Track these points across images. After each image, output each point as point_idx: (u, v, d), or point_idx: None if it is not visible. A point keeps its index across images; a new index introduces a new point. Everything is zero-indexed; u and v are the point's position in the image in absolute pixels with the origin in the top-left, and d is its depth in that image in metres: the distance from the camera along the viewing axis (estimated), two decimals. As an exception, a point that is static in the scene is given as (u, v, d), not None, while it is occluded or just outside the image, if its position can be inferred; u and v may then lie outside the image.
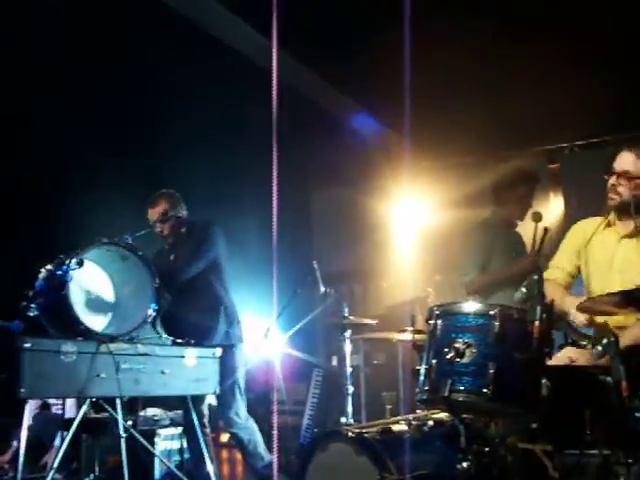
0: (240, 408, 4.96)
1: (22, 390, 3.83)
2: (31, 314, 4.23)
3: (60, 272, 4.17)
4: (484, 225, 5.40)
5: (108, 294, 4.66)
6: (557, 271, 3.77)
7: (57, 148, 5.87)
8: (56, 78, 5.53)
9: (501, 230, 5.34)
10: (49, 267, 4.35)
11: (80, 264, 4.17)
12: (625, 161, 3.49)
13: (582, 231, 3.74)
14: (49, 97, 5.51)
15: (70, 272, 4.14)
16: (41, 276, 4.39)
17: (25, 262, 4.74)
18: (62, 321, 4.18)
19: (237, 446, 5.12)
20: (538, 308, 2.79)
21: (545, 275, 3.79)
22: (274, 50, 5.74)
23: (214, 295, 5.08)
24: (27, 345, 3.84)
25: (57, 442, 5.39)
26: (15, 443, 5.58)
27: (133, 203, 5.45)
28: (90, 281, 4.53)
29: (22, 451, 4.05)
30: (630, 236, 3.50)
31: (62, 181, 6.05)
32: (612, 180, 3.50)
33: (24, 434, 4.07)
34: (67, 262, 4.17)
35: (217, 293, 5.09)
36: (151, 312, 4.46)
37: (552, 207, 6.97)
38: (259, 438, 4.95)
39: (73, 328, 4.15)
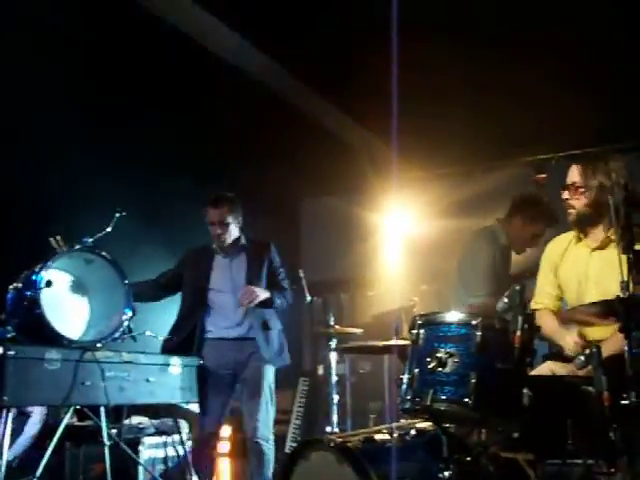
0: (270, 421, 4.80)
1: (5, 398, 3.81)
2: (8, 336, 4.20)
3: (29, 293, 4.13)
4: (488, 235, 5.01)
5: (80, 300, 4.63)
6: (544, 297, 3.76)
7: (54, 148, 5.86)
8: (58, 80, 5.54)
9: (504, 246, 4.99)
10: (17, 286, 4.29)
11: (48, 284, 4.14)
12: (573, 174, 3.55)
13: (554, 248, 3.77)
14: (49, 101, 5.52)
15: (39, 291, 4.11)
16: (10, 297, 4.32)
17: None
18: (42, 337, 4.13)
19: (252, 457, 4.73)
20: (520, 318, 2.81)
21: (533, 305, 3.79)
22: (263, 60, 5.80)
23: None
24: (11, 352, 3.81)
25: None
26: None
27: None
28: (61, 291, 4.48)
29: (4, 461, 4.03)
30: (601, 247, 3.53)
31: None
32: (564, 195, 3.57)
33: (6, 442, 4.04)
34: (34, 280, 4.13)
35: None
36: (126, 316, 4.44)
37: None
38: (272, 461, 4.74)
39: (55, 342, 4.13)
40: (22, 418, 5.42)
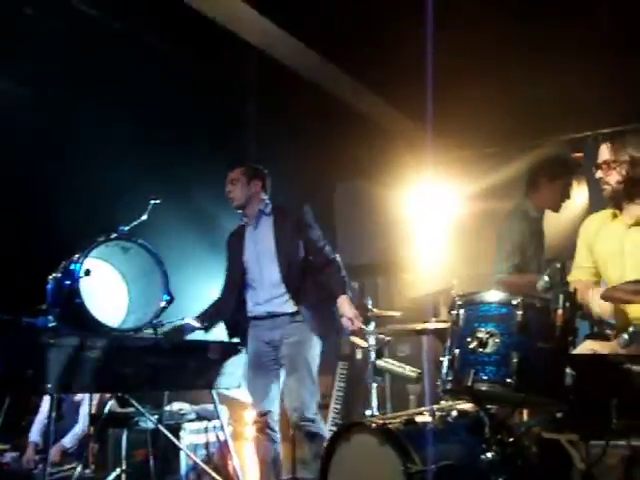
0: (312, 400, 4.63)
1: (48, 386, 3.87)
2: (50, 325, 4.25)
3: (68, 282, 4.20)
4: (518, 212, 5.13)
5: (119, 288, 4.69)
6: (579, 272, 3.74)
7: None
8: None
9: (535, 218, 5.11)
10: (56, 276, 4.36)
11: (87, 273, 4.18)
12: (603, 152, 3.56)
13: (589, 226, 3.74)
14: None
15: (78, 280, 4.16)
16: (50, 287, 4.39)
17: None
18: (82, 326, 4.21)
19: (302, 442, 4.60)
20: (561, 296, 2.77)
21: (569, 278, 3.75)
22: (295, 44, 5.77)
23: None
24: (52, 341, 3.87)
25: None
26: (34, 437, 5.68)
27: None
28: (99, 279, 4.52)
29: (50, 447, 4.09)
30: (637, 224, 3.49)
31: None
32: (597, 174, 3.57)
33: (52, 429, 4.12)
34: (72, 269, 4.19)
35: None
36: (164, 304, 4.46)
37: (575, 197, 6.88)
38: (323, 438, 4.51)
39: (95, 330, 4.20)
40: (74, 407, 5.55)
